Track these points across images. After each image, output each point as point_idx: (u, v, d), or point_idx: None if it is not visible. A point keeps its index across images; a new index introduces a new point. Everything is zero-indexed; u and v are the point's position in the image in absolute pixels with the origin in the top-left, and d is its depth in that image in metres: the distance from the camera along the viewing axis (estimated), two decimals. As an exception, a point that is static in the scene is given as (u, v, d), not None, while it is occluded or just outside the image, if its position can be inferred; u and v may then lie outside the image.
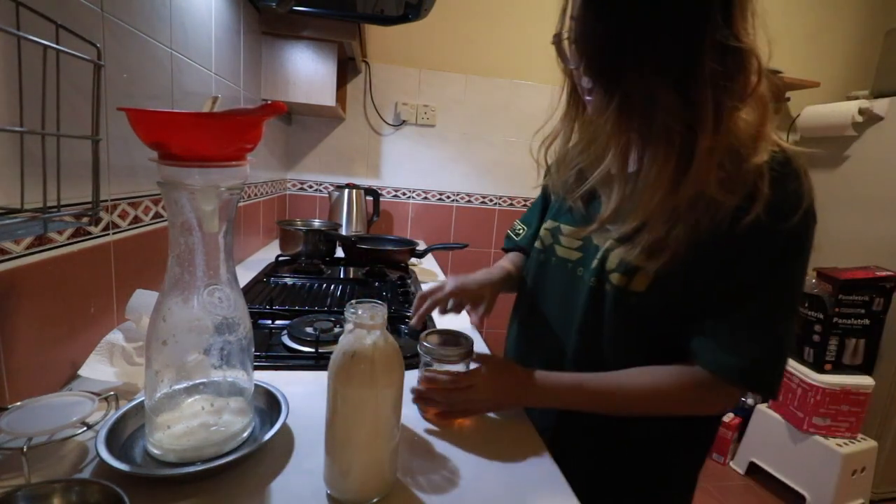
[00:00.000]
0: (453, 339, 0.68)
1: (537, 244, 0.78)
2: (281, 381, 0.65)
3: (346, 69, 2.02)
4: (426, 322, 0.84)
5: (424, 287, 0.81)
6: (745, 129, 0.54)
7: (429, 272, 1.62)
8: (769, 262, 0.54)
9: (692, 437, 0.68)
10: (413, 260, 1.64)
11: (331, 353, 0.48)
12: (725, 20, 0.48)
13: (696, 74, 0.49)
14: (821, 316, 1.85)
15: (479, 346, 0.85)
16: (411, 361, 0.81)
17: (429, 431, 0.63)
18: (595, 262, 0.64)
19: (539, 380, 0.64)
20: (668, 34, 0.49)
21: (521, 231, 0.88)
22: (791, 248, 0.54)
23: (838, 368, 1.87)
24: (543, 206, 0.84)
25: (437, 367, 0.66)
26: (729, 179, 0.52)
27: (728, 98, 0.51)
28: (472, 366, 0.66)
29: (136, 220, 0.82)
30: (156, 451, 0.50)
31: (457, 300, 0.78)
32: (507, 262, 0.87)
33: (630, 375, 0.61)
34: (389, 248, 1.64)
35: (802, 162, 0.54)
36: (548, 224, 0.76)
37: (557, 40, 0.57)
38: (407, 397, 0.69)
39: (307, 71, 1.59)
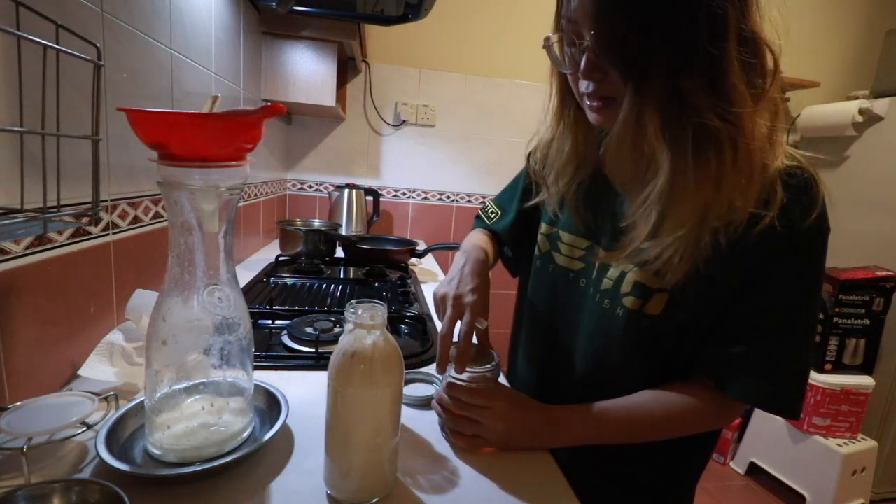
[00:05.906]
0: (479, 353, 0.63)
1: (535, 249, 0.75)
2: (281, 381, 0.65)
3: (346, 69, 2.02)
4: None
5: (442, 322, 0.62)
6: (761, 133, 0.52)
7: (429, 272, 1.62)
8: (790, 276, 0.53)
9: (697, 440, 0.67)
10: (413, 260, 1.64)
11: (331, 353, 0.48)
12: (741, 8, 0.47)
13: (725, 62, 0.46)
14: (821, 316, 1.85)
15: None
16: (411, 361, 0.81)
17: (429, 431, 0.62)
18: (610, 284, 0.62)
19: (559, 419, 0.60)
20: (691, 19, 0.45)
21: (493, 215, 0.82)
22: (809, 254, 0.54)
23: (838, 368, 1.88)
24: (522, 194, 0.78)
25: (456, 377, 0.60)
26: (747, 185, 0.50)
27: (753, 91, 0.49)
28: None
29: (136, 220, 0.82)
30: (156, 451, 0.49)
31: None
32: (482, 243, 0.75)
33: (645, 405, 0.59)
34: (389, 248, 1.64)
35: (814, 170, 0.53)
36: (543, 229, 0.74)
37: (548, 44, 0.55)
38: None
39: (307, 71, 1.59)
